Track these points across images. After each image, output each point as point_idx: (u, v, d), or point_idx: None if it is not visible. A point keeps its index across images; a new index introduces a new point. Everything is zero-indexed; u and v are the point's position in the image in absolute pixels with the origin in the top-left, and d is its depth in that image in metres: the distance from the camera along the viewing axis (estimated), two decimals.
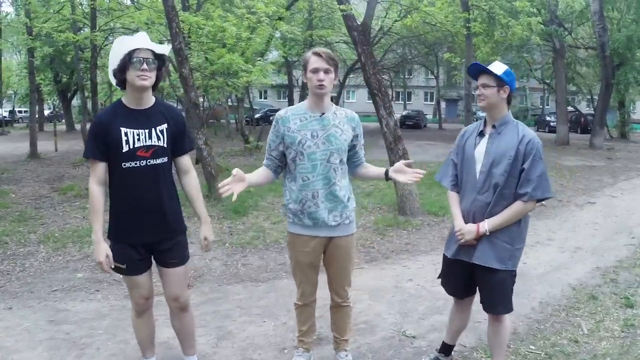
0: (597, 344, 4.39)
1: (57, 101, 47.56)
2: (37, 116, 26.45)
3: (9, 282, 6.21)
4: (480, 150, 3.47)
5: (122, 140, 3.20)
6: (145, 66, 3.14)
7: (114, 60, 3.20)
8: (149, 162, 3.27)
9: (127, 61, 3.14)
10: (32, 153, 19.54)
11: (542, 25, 18.91)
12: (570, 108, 35.36)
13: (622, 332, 4.65)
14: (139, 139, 3.24)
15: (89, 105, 18.01)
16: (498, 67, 3.41)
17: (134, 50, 3.14)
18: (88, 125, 17.59)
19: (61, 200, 10.96)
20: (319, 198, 3.50)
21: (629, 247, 7.50)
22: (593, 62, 28.36)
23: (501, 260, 3.38)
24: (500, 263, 3.38)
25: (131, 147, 3.22)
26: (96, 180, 3.26)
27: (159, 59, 3.27)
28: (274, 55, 31.95)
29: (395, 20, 22.28)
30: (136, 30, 15.26)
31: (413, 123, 42.34)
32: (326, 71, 3.40)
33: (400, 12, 21.51)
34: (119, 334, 4.64)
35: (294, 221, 3.62)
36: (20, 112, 53.44)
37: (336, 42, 27.78)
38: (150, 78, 3.20)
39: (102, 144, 3.21)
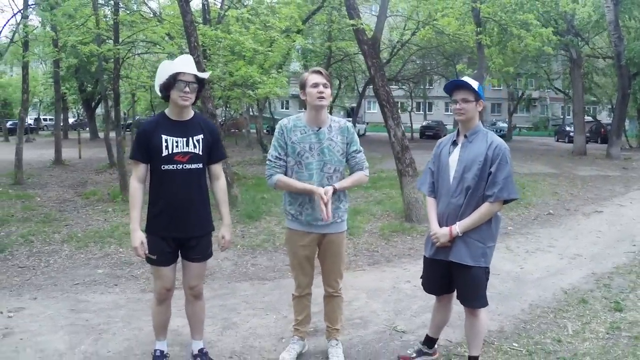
0: (580, 345, 4.59)
1: (82, 110, 48.46)
2: (61, 124, 27.15)
3: (34, 275, 6.71)
4: (453, 158, 3.82)
5: (162, 146, 3.70)
6: (187, 89, 3.68)
7: (161, 77, 3.73)
8: (185, 166, 3.77)
9: (172, 82, 3.65)
10: (57, 159, 20.27)
11: (556, 36, 19.03)
12: (590, 118, 35.35)
13: (607, 334, 4.83)
14: (177, 146, 3.74)
15: (112, 114, 18.49)
16: (473, 82, 3.76)
17: (178, 73, 3.66)
18: (112, 134, 18.19)
19: (84, 204, 11.47)
20: (315, 202, 3.92)
21: (628, 255, 7.64)
22: (610, 72, 28.32)
23: (474, 257, 3.70)
24: (473, 260, 3.70)
25: (170, 152, 3.72)
26: (137, 178, 3.77)
27: (199, 82, 3.78)
28: (294, 66, 32.43)
29: (413, 33, 22.51)
30: (157, 44, 15.80)
31: (433, 133, 42.46)
32: (325, 85, 3.85)
33: (419, 23, 21.77)
34: (134, 322, 5.06)
35: (292, 219, 4.09)
36: (45, 120, 54.54)
37: (355, 54, 28.03)
38: (190, 99, 3.74)
39: (144, 148, 3.73)
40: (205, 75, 3.90)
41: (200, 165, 3.85)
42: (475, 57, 23.86)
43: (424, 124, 45.78)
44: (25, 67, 16.28)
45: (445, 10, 16.20)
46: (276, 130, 4.10)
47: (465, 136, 3.82)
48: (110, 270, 6.89)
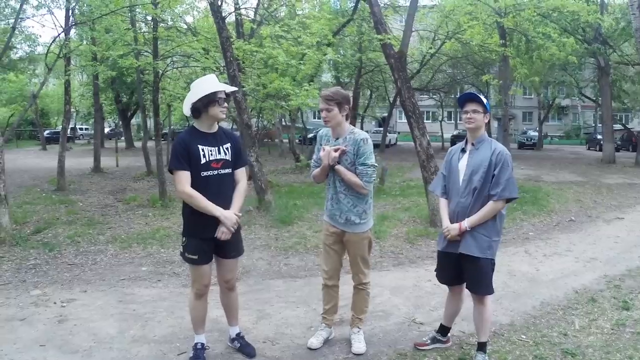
0: (585, 338, 4.94)
1: (118, 120, 49.46)
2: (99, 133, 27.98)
3: (82, 272, 7.29)
4: (463, 164, 4.34)
5: (200, 155, 4.16)
6: (225, 104, 4.23)
7: (196, 94, 4.17)
8: (219, 171, 4.25)
9: (214, 100, 4.15)
10: (96, 167, 21.02)
11: (579, 46, 19.01)
12: (620, 126, 34.92)
13: (612, 329, 5.16)
14: (212, 154, 4.22)
15: (150, 124, 19.08)
16: (482, 98, 4.28)
17: (217, 92, 4.17)
18: (149, 143, 18.81)
19: (125, 209, 12.07)
20: (333, 200, 4.56)
21: None
22: (638, 79, 28.18)
23: (481, 249, 4.18)
24: (480, 252, 4.18)
25: (207, 159, 4.19)
26: (188, 184, 4.12)
27: (228, 96, 4.33)
28: (326, 77, 32.81)
29: (441, 44, 22.80)
30: (194, 57, 16.38)
31: None
32: (327, 109, 4.43)
33: (447, 34, 22.03)
34: (177, 312, 5.62)
35: (325, 211, 4.74)
36: (81, 129, 55.61)
37: (385, 64, 28.22)
38: (225, 112, 4.27)
39: (187, 156, 4.13)
40: (232, 89, 4.44)
41: (230, 170, 4.32)
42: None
43: (455, 133, 45.54)
44: (67, 81, 16.96)
45: (471, 22, 16.51)
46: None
47: (473, 144, 4.33)
48: (154, 268, 7.45)
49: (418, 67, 27.99)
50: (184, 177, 4.10)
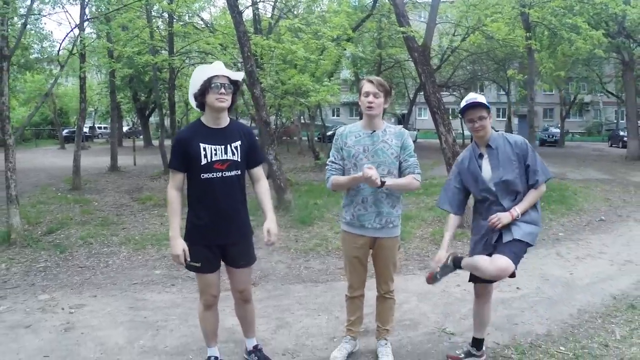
0: (627, 350, 4.56)
1: (136, 118, 49.55)
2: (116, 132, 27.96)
3: (93, 275, 7.05)
4: (487, 169, 3.99)
5: (200, 155, 3.76)
6: (223, 90, 3.72)
7: (195, 85, 3.80)
8: (224, 174, 3.82)
9: (208, 86, 3.72)
10: (113, 166, 20.89)
11: (607, 39, 18.61)
12: None
13: None
14: (215, 154, 3.79)
15: (167, 122, 18.99)
16: (482, 98, 3.96)
17: (213, 77, 3.73)
18: (166, 142, 18.60)
19: (140, 208, 11.86)
20: (367, 203, 4.10)
21: None
22: None
23: (524, 235, 3.83)
24: (523, 237, 3.82)
25: (209, 160, 3.77)
26: (175, 187, 3.83)
27: (234, 84, 3.86)
28: (345, 74, 32.50)
29: (463, 39, 22.40)
30: (211, 54, 16.16)
31: None
32: (375, 95, 4.01)
33: (468, 29, 21.62)
34: (190, 319, 5.26)
35: (346, 221, 4.24)
36: (99, 128, 55.90)
37: (405, 60, 27.96)
38: (227, 100, 3.77)
39: (181, 157, 3.79)
40: (238, 76, 3.94)
41: (239, 172, 3.92)
42: (526, 62, 23.55)
43: None
44: (82, 78, 16.80)
45: (495, 15, 16.12)
46: (334, 138, 4.31)
47: (489, 145, 4.01)
48: (167, 272, 7.14)
49: (438, 63, 27.52)
50: (176, 178, 3.84)
